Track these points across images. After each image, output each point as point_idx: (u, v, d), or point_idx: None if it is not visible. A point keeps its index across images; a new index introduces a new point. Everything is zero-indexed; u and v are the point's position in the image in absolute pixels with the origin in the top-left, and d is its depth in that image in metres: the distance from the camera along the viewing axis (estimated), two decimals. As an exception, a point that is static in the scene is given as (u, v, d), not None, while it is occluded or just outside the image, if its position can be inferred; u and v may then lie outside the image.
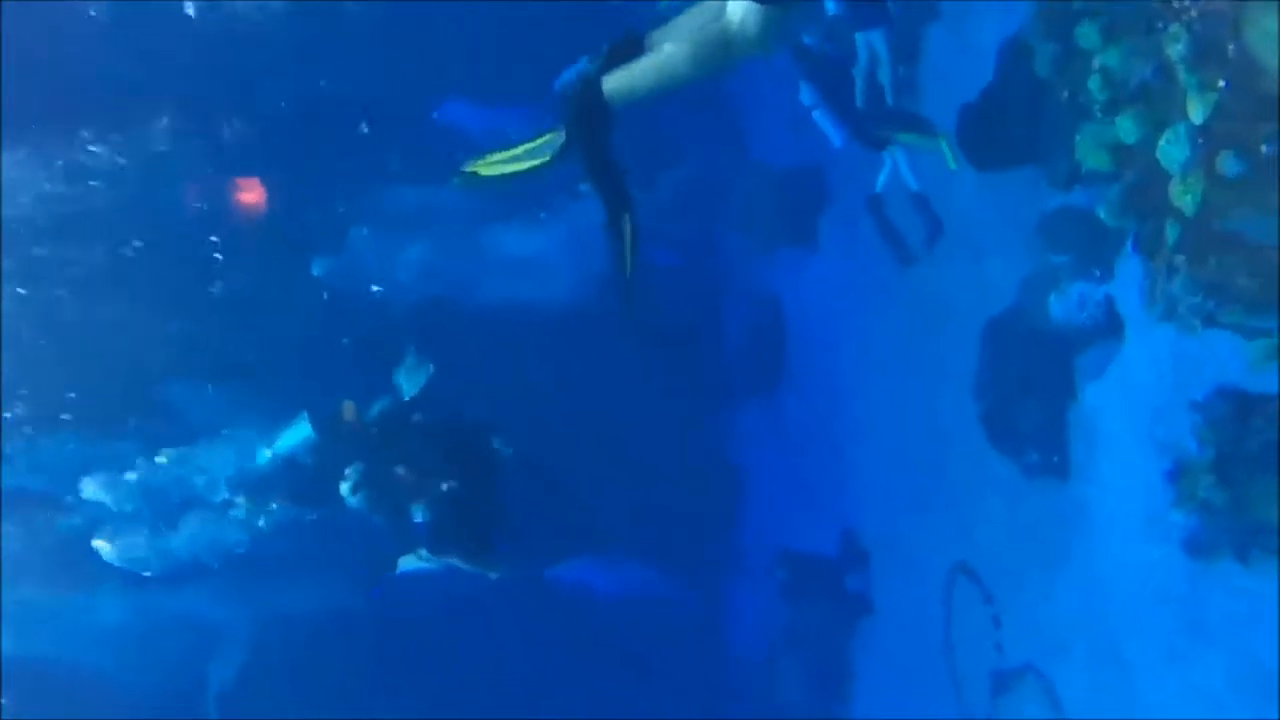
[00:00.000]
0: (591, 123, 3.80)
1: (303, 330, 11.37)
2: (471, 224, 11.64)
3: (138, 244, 10.98)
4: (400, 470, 7.28)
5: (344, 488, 7.29)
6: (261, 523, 9.71)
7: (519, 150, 3.96)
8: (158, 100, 11.26)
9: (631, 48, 3.78)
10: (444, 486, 7.17)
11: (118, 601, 10.91)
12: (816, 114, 7.37)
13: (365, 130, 10.88)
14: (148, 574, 10.16)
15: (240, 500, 9.17)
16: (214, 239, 11.40)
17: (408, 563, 7.39)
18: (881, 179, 8.06)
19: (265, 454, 7.85)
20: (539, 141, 3.89)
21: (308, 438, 7.62)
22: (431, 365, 7.57)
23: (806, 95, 7.35)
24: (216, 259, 11.44)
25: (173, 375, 10.91)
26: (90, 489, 10.00)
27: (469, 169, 4.02)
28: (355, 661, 11.63)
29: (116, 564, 9.99)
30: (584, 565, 11.69)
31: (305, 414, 7.61)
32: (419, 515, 7.14)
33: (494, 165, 3.99)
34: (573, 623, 12.05)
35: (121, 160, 11.03)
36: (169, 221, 11.33)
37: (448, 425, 7.53)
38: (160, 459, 10.14)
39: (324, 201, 11.83)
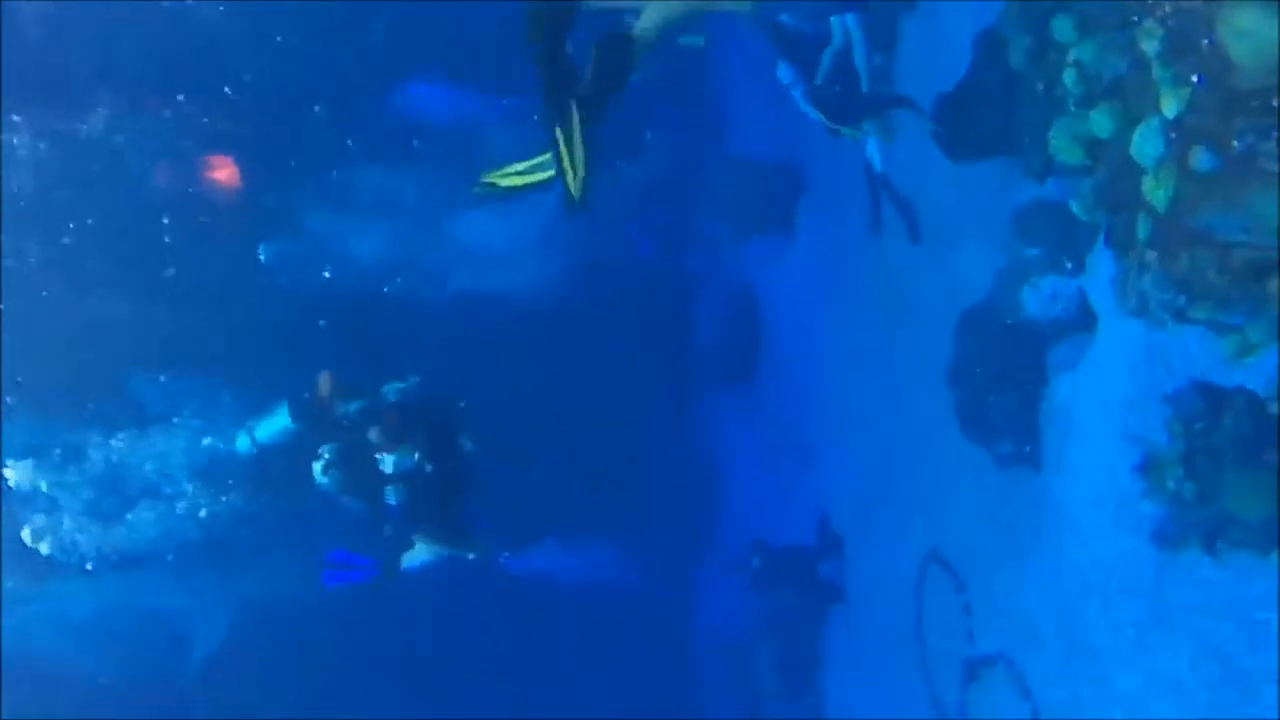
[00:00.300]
0: (555, 18, 3.84)
1: (255, 318, 11.26)
2: (438, 211, 11.58)
3: (78, 229, 10.83)
4: (373, 452, 7.23)
5: (316, 467, 7.25)
6: (203, 513, 9.66)
7: (534, 162, 4.02)
8: (107, 85, 11.11)
9: None
10: (417, 469, 7.14)
11: (83, 589, 10.81)
12: (795, 92, 7.44)
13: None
14: (89, 567, 10.08)
15: (189, 490, 9.11)
16: (164, 222, 11.26)
17: (412, 558, 7.34)
18: (870, 150, 8.12)
19: (246, 441, 7.78)
20: (550, 155, 3.94)
21: (287, 427, 7.57)
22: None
23: (785, 73, 7.41)
24: (165, 243, 11.31)
25: (122, 363, 10.78)
26: (21, 476, 9.87)
27: (487, 180, 4.09)
28: (316, 653, 11.55)
29: (56, 557, 9.88)
30: (547, 551, 11.71)
31: (285, 403, 7.54)
32: (392, 497, 7.11)
33: (510, 177, 4.06)
34: (541, 611, 12.05)
35: (67, 145, 10.88)
36: (118, 206, 11.18)
37: (421, 411, 7.51)
38: (111, 446, 10.04)
39: (279, 187, 11.73)
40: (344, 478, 7.22)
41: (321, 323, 10.58)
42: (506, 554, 10.65)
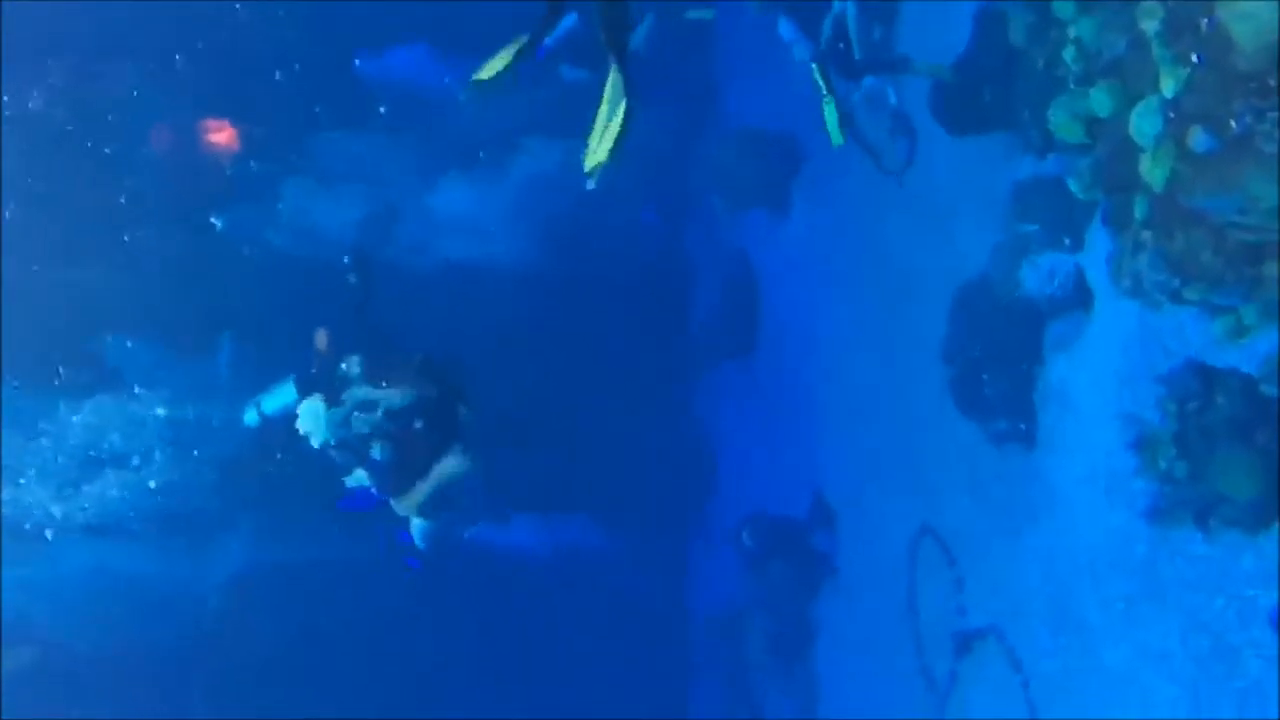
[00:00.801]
0: None
1: (219, 285, 11.11)
2: (423, 181, 11.46)
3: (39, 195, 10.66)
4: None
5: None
6: (153, 484, 9.66)
7: (600, 124, 3.99)
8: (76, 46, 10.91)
9: None
10: (407, 424, 7.06)
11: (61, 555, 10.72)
12: (796, 49, 7.44)
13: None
14: (49, 535, 10.07)
15: (159, 456, 9.10)
16: (126, 186, 11.08)
17: (417, 529, 7.28)
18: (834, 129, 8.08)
19: (253, 415, 7.73)
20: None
21: (294, 400, 7.50)
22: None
23: (785, 29, 7.41)
24: (123, 207, 11.11)
25: (82, 329, 10.66)
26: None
27: (592, 165, 4.05)
28: (295, 640, 11.49)
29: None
30: (538, 523, 11.70)
31: (292, 377, 7.50)
32: (377, 453, 7.06)
33: (601, 148, 4.02)
34: (531, 583, 12.03)
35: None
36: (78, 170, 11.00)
37: (425, 365, 7.43)
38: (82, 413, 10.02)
39: (249, 152, 11.58)
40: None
41: (351, 277, 10.25)
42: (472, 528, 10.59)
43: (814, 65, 7.31)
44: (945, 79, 7.10)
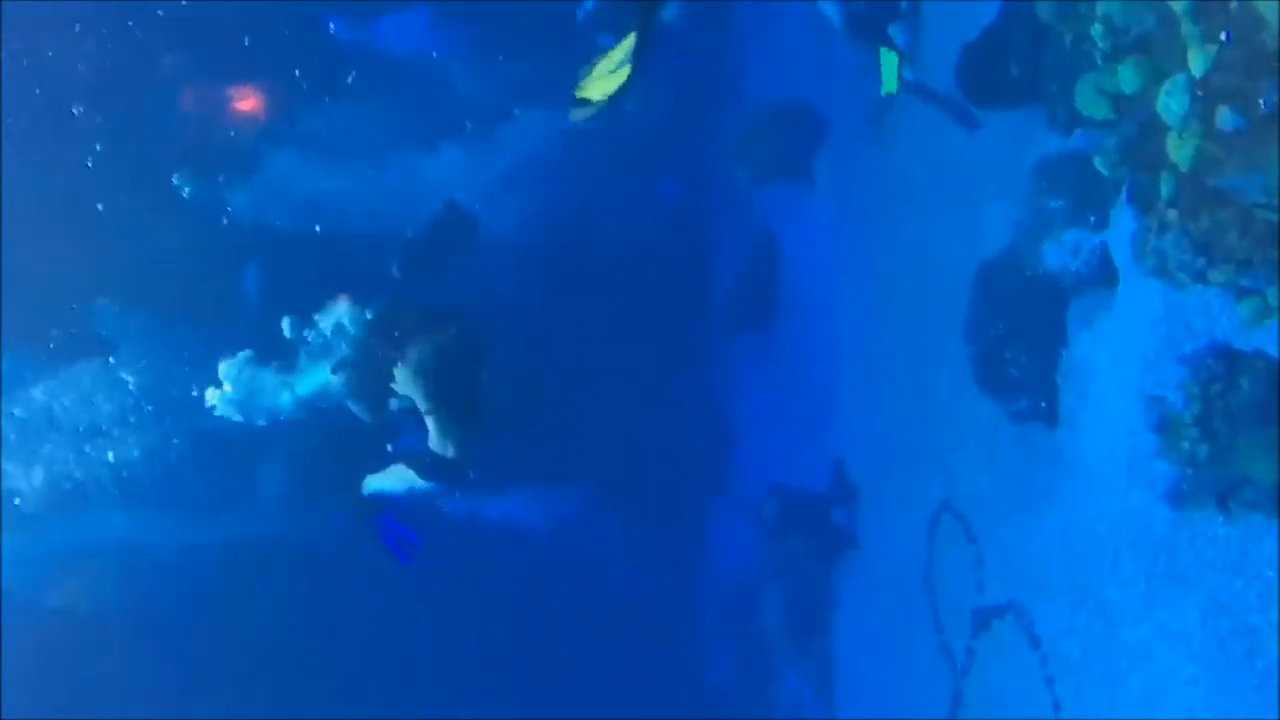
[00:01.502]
0: None
1: (200, 256, 11.03)
2: (433, 148, 11.36)
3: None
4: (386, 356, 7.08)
5: (329, 364, 7.16)
6: (111, 457, 9.68)
7: (608, 63, 3.82)
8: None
9: None
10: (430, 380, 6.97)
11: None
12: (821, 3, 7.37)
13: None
14: (17, 502, 10.11)
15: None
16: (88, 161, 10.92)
17: (374, 482, 7.13)
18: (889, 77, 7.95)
19: (286, 396, 7.70)
20: (619, 51, 3.77)
21: (327, 381, 7.44)
22: None
23: None
24: (88, 173, 10.91)
25: (76, 297, 10.60)
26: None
27: (581, 94, 3.88)
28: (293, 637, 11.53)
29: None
30: (556, 493, 11.70)
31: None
32: (398, 405, 7.02)
33: (597, 85, 3.86)
34: (549, 553, 12.04)
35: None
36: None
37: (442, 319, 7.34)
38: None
39: (233, 121, 11.46)
40: (354, 379, 7.09)
41: (395, 270, 9.77)
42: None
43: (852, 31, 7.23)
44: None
